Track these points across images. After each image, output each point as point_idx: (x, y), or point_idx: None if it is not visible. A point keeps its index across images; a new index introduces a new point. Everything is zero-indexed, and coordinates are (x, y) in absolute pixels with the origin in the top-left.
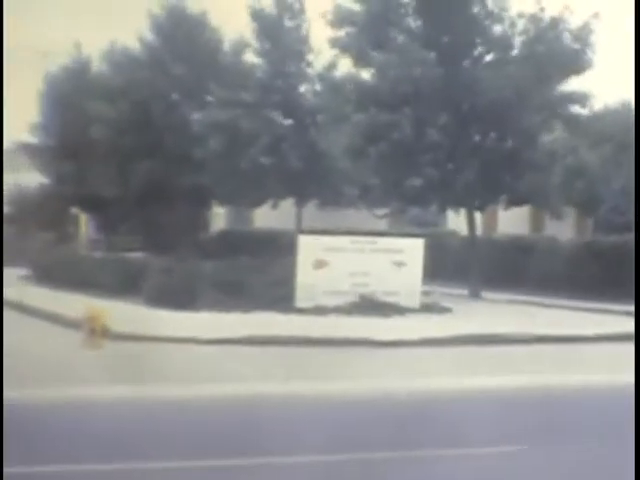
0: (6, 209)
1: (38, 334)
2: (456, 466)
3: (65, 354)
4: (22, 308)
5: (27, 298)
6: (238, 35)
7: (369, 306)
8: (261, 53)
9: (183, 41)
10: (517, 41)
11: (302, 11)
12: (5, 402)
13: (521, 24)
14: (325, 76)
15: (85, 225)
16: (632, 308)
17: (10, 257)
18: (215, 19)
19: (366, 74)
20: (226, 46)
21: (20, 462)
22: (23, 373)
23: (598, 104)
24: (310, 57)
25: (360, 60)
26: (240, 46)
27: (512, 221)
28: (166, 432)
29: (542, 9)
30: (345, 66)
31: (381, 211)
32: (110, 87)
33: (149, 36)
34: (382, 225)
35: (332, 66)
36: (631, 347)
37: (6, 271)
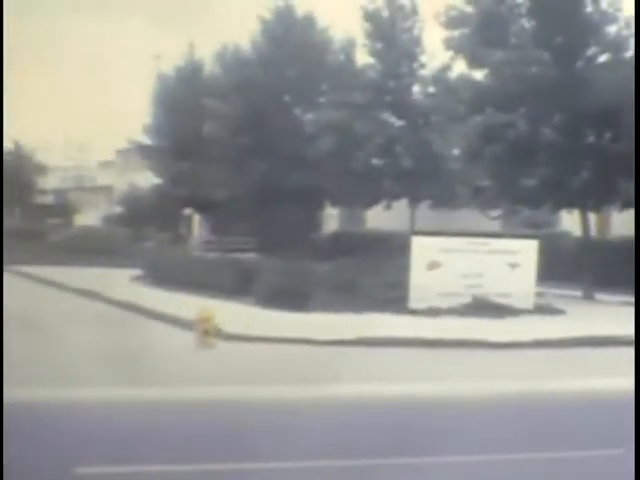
0: (119, 209)
1: (151, 335)
2: (594, 465)
3: (178, 355)
4: (135, 309)
5: (140, 299)
6: (348, 36)
7: (482, 307)
8: (374, 54)
9: (293, 43)
10: (632, 42)
11: (415, 12)
12: (122, 401)
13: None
14: (440, 77)
15: (198, 226)
16: None
17: (123, 258)
18: (323, 20)
19: (480, 74)
20: (336, 47)
21: (160, 461)
22: (135, 374)
23: None
24: (423, 58)
25: (474, 61)
26: (350, 47)
27: (627, 223)
28: (290, 432)
29: None
30: (459, 67)
31: (494, 212)
32: (223, 88)
33: (260, 39)
34: (495, 226)
35: (447, 68)
36: None
37: (119, 272)
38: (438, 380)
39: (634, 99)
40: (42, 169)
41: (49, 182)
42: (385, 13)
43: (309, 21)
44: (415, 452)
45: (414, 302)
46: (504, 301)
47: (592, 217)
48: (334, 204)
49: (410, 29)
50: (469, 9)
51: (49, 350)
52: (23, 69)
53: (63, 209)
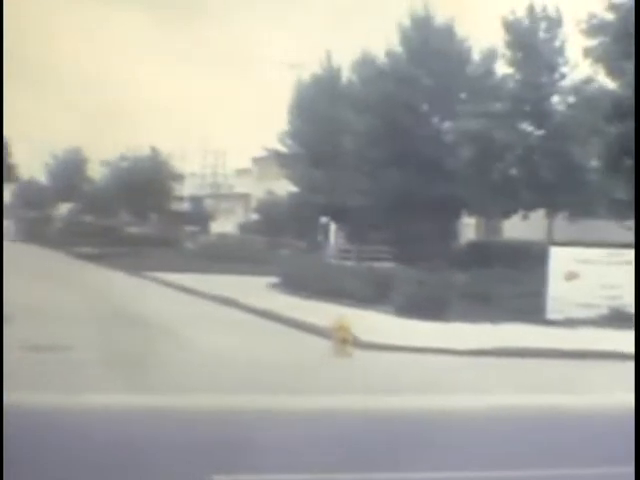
0: (255, 217)
1: (288, 342)
2: None
3: (315, 363)
4: (273, 317)
5: (277, 306)
6: (487, 45)
7: (620, 319)
8: (513, 63)
9: (432, 52)
10: None
11: (559, 23)
12: (254, 410)
13: None
14: (581, 89)
15: (334, 234)
16: None
17: (259, 265)
18: (462, 30)
19: (618, 84)
20: (475, 56)
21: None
22: (274, 381)
23: None
24: (564, 69)
25: (612, 70)
26: (490, 57)
27: None
28: (432, 442)
29: None
30: (599, 76)
31: (631, 223)
32: (360, 98)
33: (398, 47)
34: (631, 237)
35: (589, 80)
36: None
37: (255, 279)
38: (582, 391)
39: (634, 101)
40: (178, 176)
41: (185, 189)
42: (526, 23)
43: (448, 30)
44: (570, 463)
45: (552, 313)
46: None
47: None
48: (471, 214)
49: (552, 39)
50: (609, 17)
51: (189, 357)
52: (160, 74)
53: (199, 216)
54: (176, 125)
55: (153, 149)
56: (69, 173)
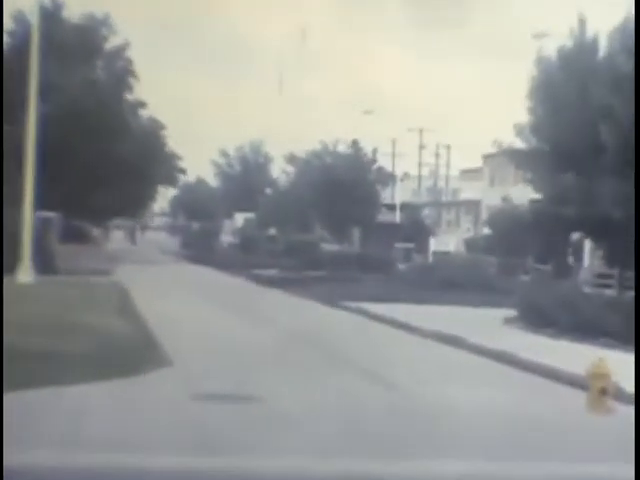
0: (486, 231)
1: (531, 393)
2: None
3: (563, 420)
4: (510, 360)
5: (515, 347)
6: None
7: None
8: None
9: None
10: None
11: None
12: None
13: None
14: None
15: (589, 255)
16: None
17: (492, 293)
18: None
19: None
20: None
21: None
22: (525, 445)
23: None
24: None
25: None
26: None
27: None
28: None
29: None
30: None
31: None
32: (624, 75)
33: None
34: None
35: None
36: None
37: (487, 312)
38: None
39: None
40: (388, 177)
41: (396, 194)
42: None
43: None
44: None
45: None
46: None
47: None
48: None
49: None
50: None
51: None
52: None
53: (414, 230)
54: (382, 114)
55: (354, 143)
56: (245, 173)
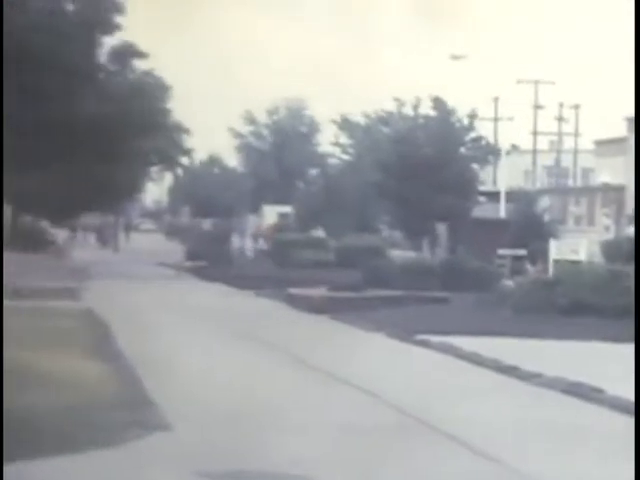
0: (631, 230)
1: None
2: None
3: None
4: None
5: None
6: None
7: None
8: None
9: None
10: None
11: None
12: None
13: None
14: None
15: None
16: None
17: (621, 324)
18: None
19: None
20: None
21: None
22: None
23: None
24: None
25: None
26: None
27: None
28: None
29: None
30: None
31: None
32: None
33: None
34: None
35: None
36: None
37: (614, 347)
38: None
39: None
40: (492, 151)
41: (499, 177)
42: None
43: None
44: None
45: None
46: None
47: None
48: None
49: None
50: None
51: None
52: None
53: (526, 228)
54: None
55: (438, 102)
56: (280, 147)
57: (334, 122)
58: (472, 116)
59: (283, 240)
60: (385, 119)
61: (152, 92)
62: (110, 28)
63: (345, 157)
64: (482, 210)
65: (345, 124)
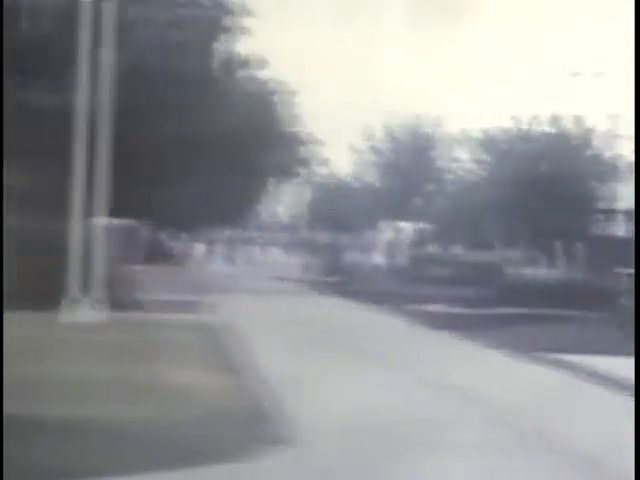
0: None
1: None
2: None
3: None
4: None
5: None
6: None
7: None
8: None
9: None
10: None
11: None
12: None
13: None
14: None
15: None
16: None
17: None
18: None
19: None
20: None
21: None
22: None
23: None
24: None
25: None
26: None
27: None
28: None
29: None
30: None
31: None
32: None
33: None
34: None
35: None
36: None
37: None
38: None
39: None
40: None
41: (620, 195)
42: None
43: None
44: None
45: None
46: None
47: None
48: None
49: None
50: None
51: None
52: None
53: None
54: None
55: (555, 120)
56: (397, 162)
57: (473, 138)
58: (590, 132)
59: (421, 256)
60: (505, 137)
61: (278, 101)
62: (224, 33)
63: (482, 173)
64: (600, 228)
65: (486, 140)
